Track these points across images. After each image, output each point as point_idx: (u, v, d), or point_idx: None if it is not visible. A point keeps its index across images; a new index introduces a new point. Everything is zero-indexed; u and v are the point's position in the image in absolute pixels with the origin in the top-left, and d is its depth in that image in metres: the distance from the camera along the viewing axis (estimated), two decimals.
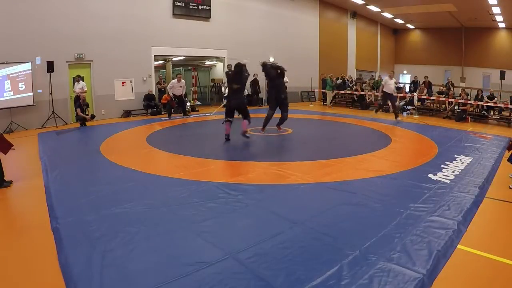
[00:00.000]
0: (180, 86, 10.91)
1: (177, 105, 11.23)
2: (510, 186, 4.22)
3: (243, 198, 3.84)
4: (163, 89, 12.16)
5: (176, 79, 11.03)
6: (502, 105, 10.95)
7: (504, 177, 4.75)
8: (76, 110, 9.33)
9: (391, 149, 6.51)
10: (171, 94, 10.92)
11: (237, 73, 6.93)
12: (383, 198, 3.83)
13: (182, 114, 11.33)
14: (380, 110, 11.78)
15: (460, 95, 11.56)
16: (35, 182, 4.54)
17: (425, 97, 12.62)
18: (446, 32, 21.22)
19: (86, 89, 9.71)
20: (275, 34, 15.54)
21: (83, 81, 9.73)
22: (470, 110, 11.24)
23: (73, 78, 9.78)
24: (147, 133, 8.07)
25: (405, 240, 2.84)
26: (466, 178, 4.61)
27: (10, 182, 4.36)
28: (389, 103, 11.22)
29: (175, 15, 12.19)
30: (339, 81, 15.74)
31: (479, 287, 2.34)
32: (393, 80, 10.85)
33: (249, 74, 7.25)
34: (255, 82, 14.58)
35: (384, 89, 10.62)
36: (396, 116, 10.65)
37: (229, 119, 7.14)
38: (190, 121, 10.50)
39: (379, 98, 11.98)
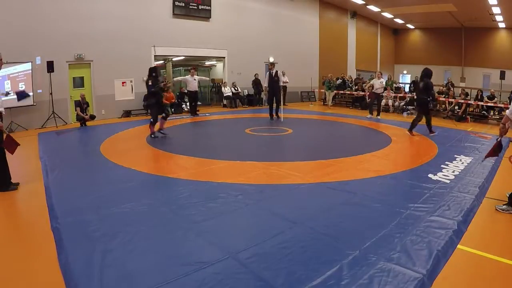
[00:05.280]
0: (195, 79, 10.95)
1: (193, 102, 11.33)
2: (496, 207, 3.65)
3: (243, 198, 3.84)
4: (165, 89, 12.18)
5: (189, 75, 11.05)
6: (502, 105, 10.96)
7: (504, 177, 4.75)
8: (76, 110, 9.34)
9: (391, 149, 6.51)
10: (185, 90, 11.14)
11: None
12: (383, 198, 3.83)
13: (190, 113, 11.36)
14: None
15: (460, 95, 11.57)
16: (35, 182, 4.54)
17: None
18: (446, 32, 21.23)
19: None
20: (275, 34, 15.55)
21: None
22: (470, 110, 11.25)
23: None
24: (147, 133, 8.07)
25: (405, 240, 2.83)
26: (466, 178, 4.60)
27: (17, 184, 4.36)
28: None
29: (175, 15, 12.19)
30: (339, 81, 15.75)
31: (479, 287, 2.34)
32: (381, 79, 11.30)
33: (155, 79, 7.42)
34: (256, 82, 14.60)
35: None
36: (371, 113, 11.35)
37: None
38: (190, 121, 10.50)
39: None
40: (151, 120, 7.43)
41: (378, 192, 4.07)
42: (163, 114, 7.56)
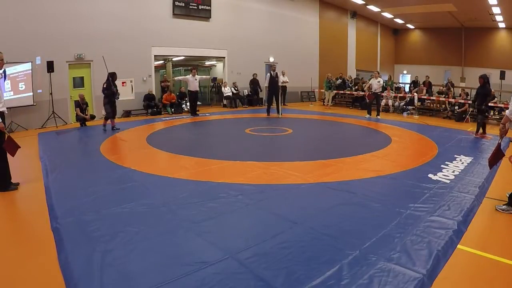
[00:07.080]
0: (196, 79, 11.05)
1: (192, 102, 11.41)
2: (496, 207, 3.64)
3: (243, 198, 3.84)
4: (166, 88, 12.21)
5: (190, 75, 11.13)
6: (502, 105, 10.95)
7: (504, 177, 4.75)
8: (76, 110, 9.34)
9: (391, 149, 6.51)
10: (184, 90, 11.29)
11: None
12: (383, 198, 3.83)
13: (190, 114, 11.38)
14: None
15: (460, 95, 11.57)
16: (35, 182, 4.54)
17: (425, 97, 12.63)
18: (446, 32, 21.23)
19: None
20: (275, 34, 15.55)
21: None
22: (470, 110, 11.24)
23: None
24: (147, 133, 8.07)
25: (405, 240, 2.83)
26: (466, 178, 4.61)
27: (17, 184, 4.36)
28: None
29: (175, 15, 12.19)
30: (339, 81, 15.74)
31: (479, 287, 2.34)
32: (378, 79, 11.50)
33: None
34: (254, 82, 14.61)
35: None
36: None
37: None
38: (190, 121, 10.50)
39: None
40: (105, 116, 8.51)
41: (378, 192, 4.07)
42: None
